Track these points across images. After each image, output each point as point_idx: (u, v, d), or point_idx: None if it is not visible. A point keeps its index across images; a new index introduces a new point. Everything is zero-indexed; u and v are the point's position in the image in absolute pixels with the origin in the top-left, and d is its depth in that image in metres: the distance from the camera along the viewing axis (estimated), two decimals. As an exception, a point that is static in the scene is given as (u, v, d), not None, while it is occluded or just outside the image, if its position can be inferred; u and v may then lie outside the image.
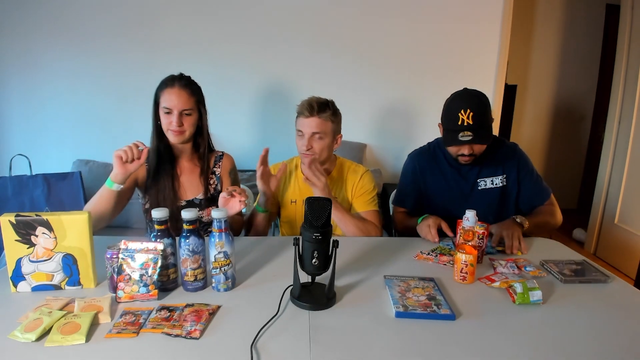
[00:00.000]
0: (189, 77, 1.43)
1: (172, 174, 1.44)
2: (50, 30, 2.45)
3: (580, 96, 4.03)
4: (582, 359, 0.79)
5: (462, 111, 1.39)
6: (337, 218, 1.45)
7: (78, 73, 2.51)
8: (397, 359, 0.78)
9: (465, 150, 1.45)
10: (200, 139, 1.47)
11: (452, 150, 1.50)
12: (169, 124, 1.37)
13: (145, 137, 1.52)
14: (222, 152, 1.58)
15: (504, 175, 1.57)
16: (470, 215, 1.19)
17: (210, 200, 1.48)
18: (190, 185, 1.47)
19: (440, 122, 1.56)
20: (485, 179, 1.57)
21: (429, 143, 1.69)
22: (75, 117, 2.57)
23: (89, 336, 0.81)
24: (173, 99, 1.35)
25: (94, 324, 0.86)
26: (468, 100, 1.42)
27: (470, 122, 1.38)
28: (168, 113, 1.36)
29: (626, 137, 2.84)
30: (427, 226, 1.39)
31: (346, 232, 1.48)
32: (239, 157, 1.66)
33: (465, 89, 1.49)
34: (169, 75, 1.41)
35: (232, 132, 2.58)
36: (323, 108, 1.46)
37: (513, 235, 1.32)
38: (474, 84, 1.51)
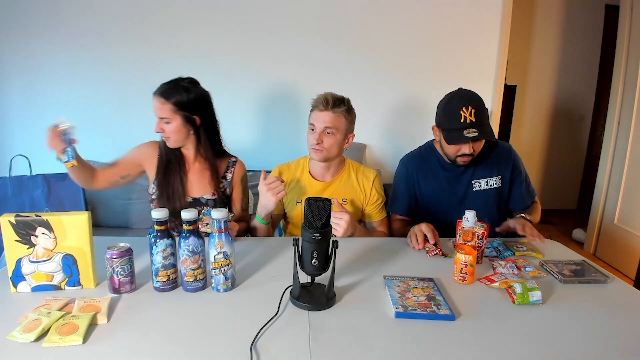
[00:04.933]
0: (174, 82, 1.42)
1: (181, 171, 1.47)
2: (51, 30, 2.45)
3: (580, 96, 4.03)
4: (582, 359, 0.79)
5: (463, 109, 1.37)
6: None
7: (78, 73, 2.51)
8: (397, 359, 0.78)
9: (466, 149, 1.42)
10: (199, 144, 1.47)
11: (452, 150, 1.46)
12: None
13: (144, 138, 1.54)
14: (236, 158, 1.59)
15: (499, 177, 1.56)
16: (469, 216, 1.19)
17: (217, 202, 1.49)
18: (199, 185, 1.49)
19: (434, 124, 1.54)
20: (480, 180, 1.55)
21: (419, 147, 1.66)
22: (76, 117, 2.51)
23: (86, 337, 0.81)
24: (153, 106, 1.41)
25: (93, 324, 0.86)
26: (467, 98, 1.41)
27: (474, 119, 1.37)
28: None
29: (625, 137, 2.84)
30: (414, 234, 1.34)
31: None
32: (240, 157, 1.65)
33: (461, 88, 1.47)
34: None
35: (233, 132, 2.57)
36: (338, 103, 1.45)
37: (531, 227, 1.35)
38: (474, 84, 1.51)
